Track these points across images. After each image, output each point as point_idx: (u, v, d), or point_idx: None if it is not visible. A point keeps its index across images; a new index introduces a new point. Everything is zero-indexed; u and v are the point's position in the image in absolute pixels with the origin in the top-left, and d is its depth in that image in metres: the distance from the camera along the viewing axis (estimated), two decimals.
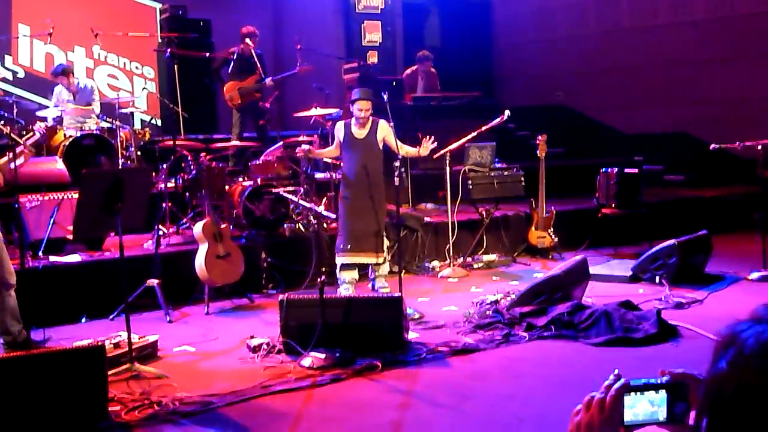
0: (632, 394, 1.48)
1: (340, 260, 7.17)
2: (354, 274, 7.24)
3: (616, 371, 1.52)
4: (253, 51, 9.72)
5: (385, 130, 7.20)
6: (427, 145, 7.18)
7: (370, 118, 7.18)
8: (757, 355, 1.25)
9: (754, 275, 7.68)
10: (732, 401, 1.25)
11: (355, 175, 7.13)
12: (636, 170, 9.50)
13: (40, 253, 6.98)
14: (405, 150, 7.30)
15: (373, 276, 7.32)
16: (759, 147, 7.89)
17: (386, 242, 7.29)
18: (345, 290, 7.09)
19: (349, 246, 7.09)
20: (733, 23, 12.89)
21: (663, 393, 1.49)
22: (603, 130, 14.45)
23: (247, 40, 9.74)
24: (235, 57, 9.84)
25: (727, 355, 1.29)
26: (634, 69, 14.11)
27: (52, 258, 6.97)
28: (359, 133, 7.18)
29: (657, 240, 8.17)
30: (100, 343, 4.91)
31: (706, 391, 1.31)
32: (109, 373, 4.75)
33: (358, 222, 7.09)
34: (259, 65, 9.70)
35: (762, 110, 12.22)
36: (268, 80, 9.74)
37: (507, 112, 8.55)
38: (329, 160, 8.89)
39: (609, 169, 9.29)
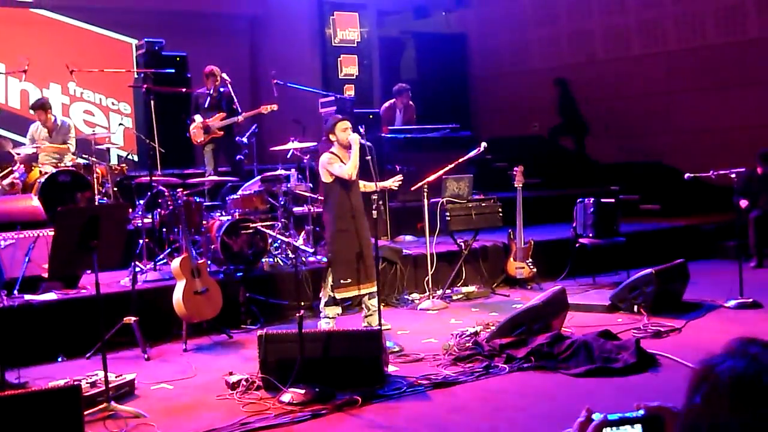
0: (608, 429, 1.48)
1: (340, 295, 7.00)
2: (338, 309, 7.16)
3: (587, 408, 1.52)
4: (220, 89, 9.79)
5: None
6: (394, 183, 7.17)
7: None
8: (731, 390, 1.26)
9: (731, 303, 7.74)
10: None
11: (350, 205, 6.99)
12: (612, 200, 9.58)
13: (15, 292, 6.89)
14: (366, 188, 7.29)
15: (367, 313, 7.17)
16: (733, 175, 7.99)
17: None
18: (326, 324, 7.01)
19: (349, 280, 6.93)
20: (704, 53, 13.12)
21: (639, 427, 1.49)
22: (579, 160, 14.59)
23: (213, 77, 9.82)
24: (210, 92, 9.89)
25: (702, 390, 1.29)
26: (608, 99, 14.30)
27: (28, 296, 6.87)
28: None
29: (634, 269, 8.22)
30: (76, 383, 4.84)
31: (681, 425, 1.31)
32: (86, 413, 4.67)
33: (359, 253, 6.93)
34: (226, 102, 9.75)
35: (734, 139, 12.41)
36: (240, 117, 9.76)
37: (484, 144, 8.61)
38: (306, 193, 8.88)
39: (586, 199, 9.36)
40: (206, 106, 9.90)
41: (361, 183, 7.16)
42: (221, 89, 9.87)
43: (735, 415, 1.23)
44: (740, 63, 12.72)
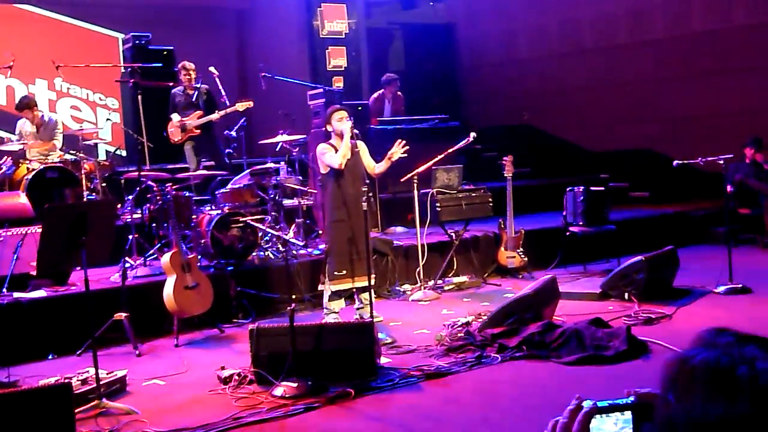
0: (598, 416, 1.48)
1: (335, 287, 6.91)
2: (342, 303, 7.10)
3: (578, 396, 1.51)
4: (195, 85, 9.69)
5: (364, 149, 7.11)
6: (397, 150, 6.97)
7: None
8: (705, 382, 1.24)
9: (721, 288, 7.77)
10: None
11: (346, 195, 6.91)
12: (602, 188, 9.59)
13: (4, 290, 6.84)
14: (379, 169, 7.20)
15: (360, 305, 7.14)
16: (721, 161, 8.01)
17: None
18: (333, 319, 6.90)
19: (344, 272, 6.85)
20: (691, 41, 13.13)
21: (629, 414, 1.49)
22: (568, 149, 14.61)
23: (184, 73, 9.70)
24: (179, 91, 9.78)
25: (676, 385, 1.28)
26: (597, 88, 14.31)
27: (16, 294, 6.83)
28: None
29: (625, 256, 8.25)
30: (66, 381, 4.82)
31: (658, 422, 1.30)
32: (77, 410, 4.66)
33: (354, 244, 6.87)
34: (205, 99, 9.66)
35: (723, 125, 12.44)
36: (215, 116, 9.62)
37: (473, 134, 8.60)
38: (296, 186, 8.87)
39: (575, 188, 9.36)
40: (183, 104, 9.77)
41: (373, 165, 7.10)
42: (197, 85, 9.74)
43: (711, 409, 1.22)
44: (727, 50, 12.73)
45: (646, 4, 13.75)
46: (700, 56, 13.02)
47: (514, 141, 13.69)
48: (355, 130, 6.93)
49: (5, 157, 8.82)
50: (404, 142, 7.06)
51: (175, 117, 9.74)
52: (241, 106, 9.48)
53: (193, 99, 9.71)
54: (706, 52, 12.94)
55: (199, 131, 9.69)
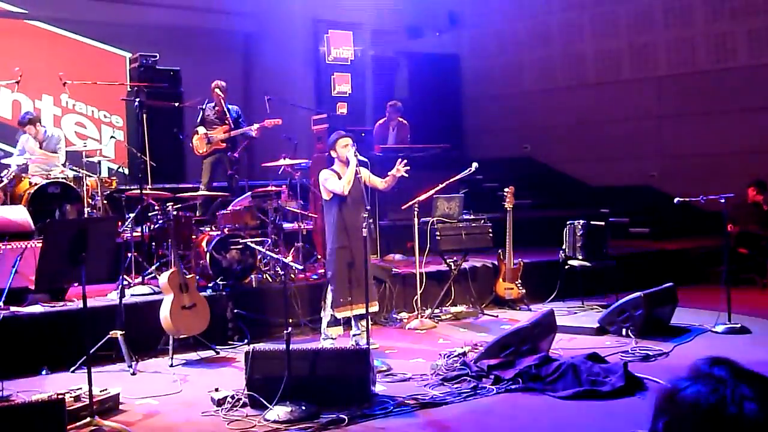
0: None
1: (339, 314, 6.89)
2: (341, 330, 7.06)
3: None
4: (224, 103, 9.84)
5: (366, 173, 7.09)
6: (399, 168, 6.95)
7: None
8: (692, 419, 1.24)
9: (720, 328, 7.75)
10: None
11: (349, 222, 6.88)
12: (602, 223, 9.60)
13: (1, 303, 6.81)
14: (384, 183, 7.15)
15: (357, 332, 7.07)
16: (722, 200, 8.02)
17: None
18: (330, 345, 6.86)
19: (349, 298, 6.80)
20: (695, 79, 13.22)
21: None
22: (569, 183, 14.65)
23: (218, 90, 9.86)
24: (210, 107, 9.93)
25: (664, 416, 1.28)
26: (600, 123, 14.38)
27: (13, 308, 6.82)
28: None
29: (623, 292, 8.23)
30: (59, 397, 4.80)
31: None
32: (69, 427, 4.63)
33: (357, 271, 6.82)
34: (228, 117, 9.81)
35: (724, 164, 12.49)
36: (255, 126, 9.77)
37: (475, 164, 8.62)
38: (297, 210, 8.88)
39: (575, 222, 9.37)
40: (212, 119, 9.94)
41: (379, 180, 7.09)
42: (229, 105, 10.00)
43: None
44: (730, 89, 12.82)
45: (651, 41, 13.86)
46: (702, 94, 13.11)
47: (516, 173, 13.72)
48: (364, 159, 6.92)
49: (5, 170, 8.85)
50: (405, 161, 7.04)
51: (201, 129, 9.89)
52: (269, 123, 9.63)
53: (223, 116, 9.86)
54: (708, 89, 13.03)
55: (224, 144, 9.83)
